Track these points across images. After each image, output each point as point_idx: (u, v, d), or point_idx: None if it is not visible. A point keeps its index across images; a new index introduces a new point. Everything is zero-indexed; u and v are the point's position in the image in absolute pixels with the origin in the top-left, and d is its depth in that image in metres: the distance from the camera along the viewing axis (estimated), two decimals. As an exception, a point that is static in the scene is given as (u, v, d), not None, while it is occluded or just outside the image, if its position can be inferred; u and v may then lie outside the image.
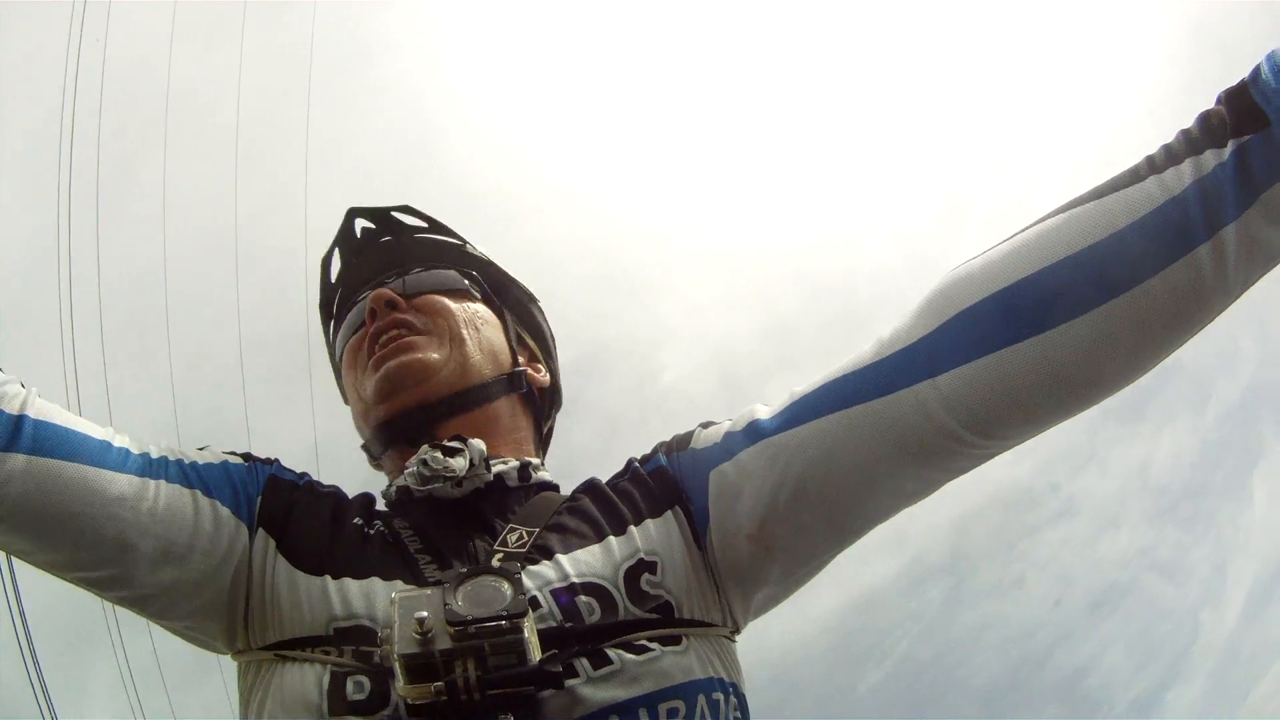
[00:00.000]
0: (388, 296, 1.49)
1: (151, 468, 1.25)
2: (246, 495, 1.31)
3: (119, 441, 1.25)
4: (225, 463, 1.34)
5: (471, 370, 1.47)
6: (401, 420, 1.44)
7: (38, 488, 1.13)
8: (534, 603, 1.14)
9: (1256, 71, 1.01)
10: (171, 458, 1.29)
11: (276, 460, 1.43)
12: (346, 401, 1.69)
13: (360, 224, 1.67)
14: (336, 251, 1.68)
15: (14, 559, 1.26)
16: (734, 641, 1.31)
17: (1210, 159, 1.02)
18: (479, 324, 1.54)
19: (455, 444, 1.37)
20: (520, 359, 1.59)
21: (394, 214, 1.67)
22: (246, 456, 1.40)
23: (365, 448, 1.57)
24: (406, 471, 1.36)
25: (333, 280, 1.69)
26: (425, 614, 1.03)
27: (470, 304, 1.56)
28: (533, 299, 1.72)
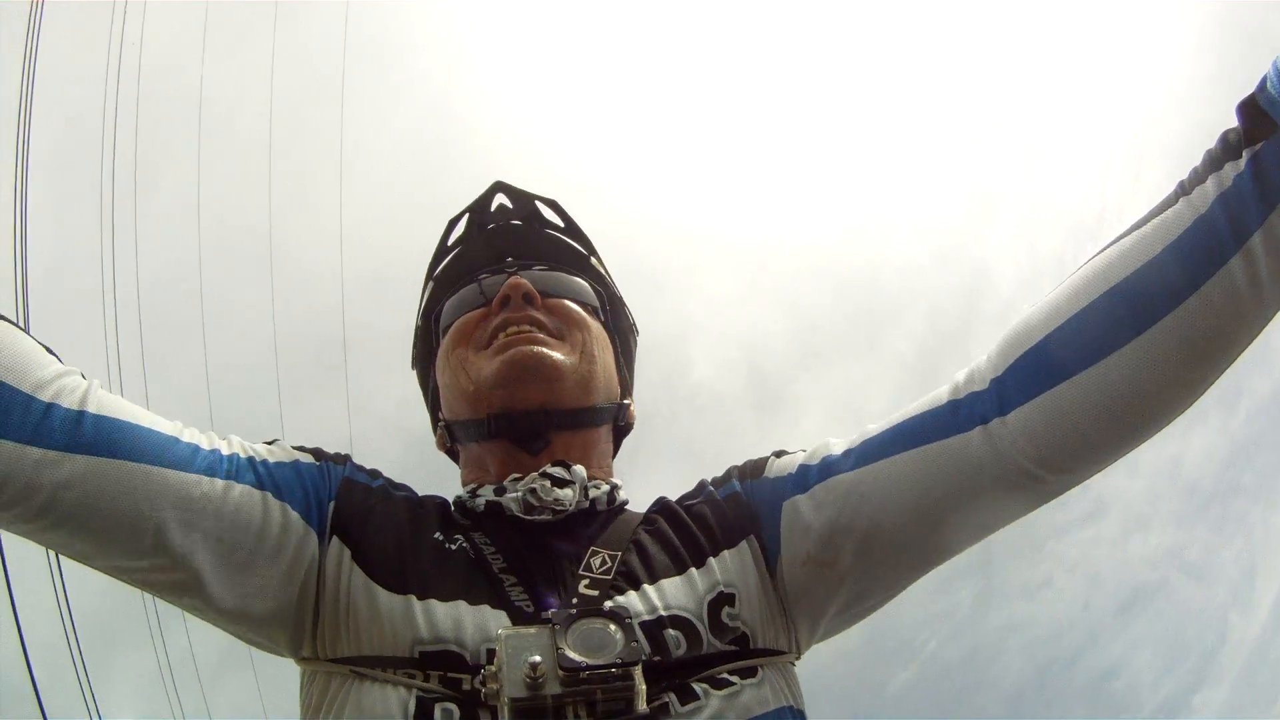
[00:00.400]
0: (527, 289, 1.42)
1: (221, 465, 1.20)
2: (318, 499, 1.27)
3: (188, 436, 1.20)
4: (297, 462, 1.30)
5: (593, 390, 1.43)
6: (520, 416, 1.37)
7: (100, 489, 1.08)
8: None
9: (1264, 81, 1.04)
10: (243, 455, 1.24)
11: (349, 458, 1.38)
12: (416, 364, 1.65)
13: (499, 199, 1.59)
14: (466, 217, 1.60)
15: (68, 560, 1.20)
16: (795, 666, 1.33)
17: (1229, 172, 1.06)
18: (603, 346, 1.49)
19: (562, 473, 1.34)
20: (628, 393, 1.57)
21: (537, 202, 1.59)
22: (317, 454, 1.35)
23: (449, 428, 1.49)
24: (509, 495, 1.32)
25: (449, 243, 1.61)
26: (539, 659, 1.02)
27: (597, 322, 1.51)
28: (635, 330, 1.67)
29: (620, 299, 1.64)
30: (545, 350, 1.38)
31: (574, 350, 1.42)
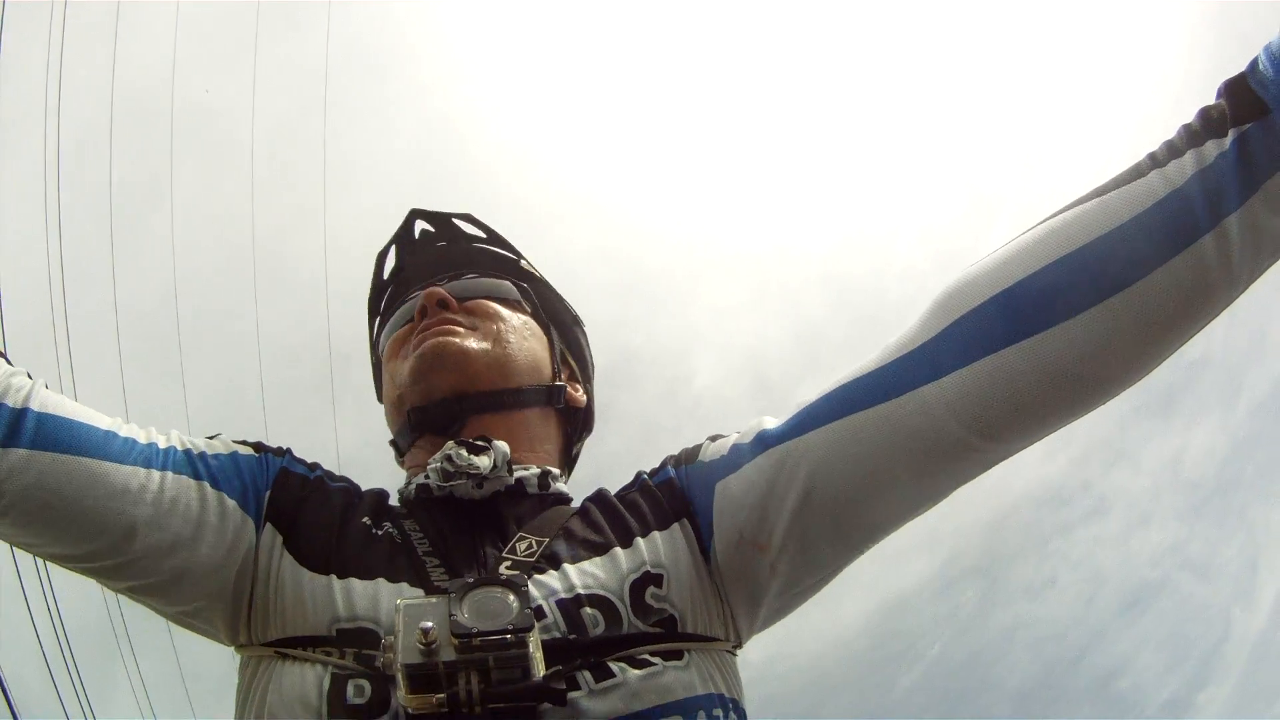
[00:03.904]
0: (440, 295, 1.48)
1: (157, 458, 1.24)
2: (255, 488, 1.30)
3: (125, 431, 1.24)
4: (235, 454, 1.33)
5: (510, 372, 1.46)
6: (435, 407, 1.41)
7: (38, 482, 1.13)
8: (539, 613, 1.13)
9: (1255, 62, 1.02)
10: (180, 448, 1.28)
11: (288, 451, 1.41)
12: (381, 399, 1.68)
13: (420, 225, 1.67)
14: (393, 249, 1.68)
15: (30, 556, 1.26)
16: (735, 656, 1.31)
17: (1212, 149, 1.02)
18: (525, 333, 1.53)
19: (480, 442, 1.36)
20: (561, 376, 1.58)
21: (454, 220, 1.67)
22: (258, 446, 1.38)
23: (394, 443, 1.55)
24: (429, 468, 1.35)
25: (384, 277, 1.69)
26: (430, 624, 1.02)
27: (520, 314, 1.56)
28: (579, 322, 1.71)
29: (556, 293, 1.68)
30: (450, 339, 1.42)
31: (485, 338, 1.46)
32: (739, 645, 1.32)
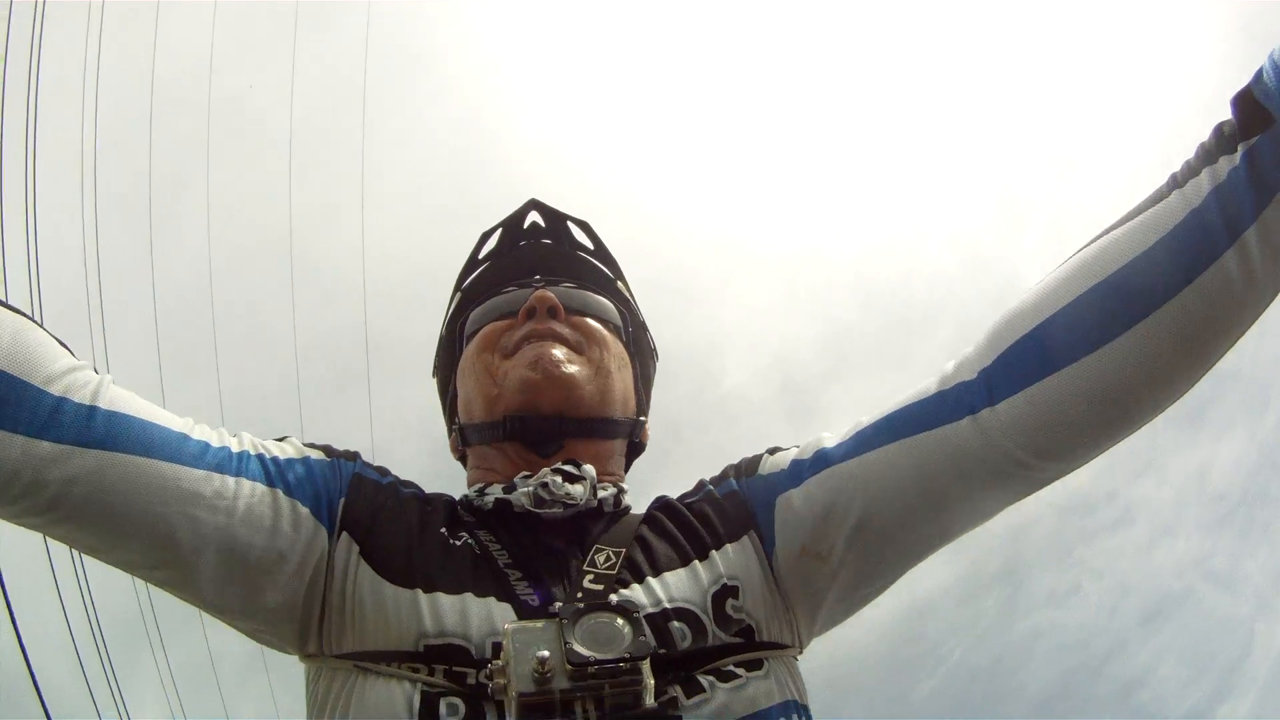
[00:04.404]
0: (552, 302, 1.47)
1: (232, 462, 1.21)
2: (328, 495, 1.28)
3: (198, 434, 1.21)
4: (307, 459, 1.31)
5: (609, 402, 1.46)
6: (536, 421, 1.40)
7: (109, 485, 1.09)
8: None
9: (1259, 73, 1.03)
10: (253, 451, 1.25)
11: (358, 455, 1.39)
12: (437, 371, 1.68)
13: (532, 217, 1.64)
14: (499, 232, 1.65)
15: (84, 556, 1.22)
16: (798, 660, 1.33)
17: (1224, 165, 1.06)
18: (621, 363, 1.53)
19: (573, 469, 1.36)
20: (643, 411, 1.60)
21: (570, 222, 1.64)
22: (328, 450, 1.36)
23: (463, 430, 1.52)
24: (519, 490, 1.33)
25: (480, 256, 1.66)
26: (547, 654, 1.01)
27: (618, 342, 1.55)
28: (656, 355, 1.71)
29: (643, 323, 1.68)
30: (564, 361, 1.41)
31: (591, 364, 1.46)
32: (802, 650, 1.34)
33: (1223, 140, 1.06)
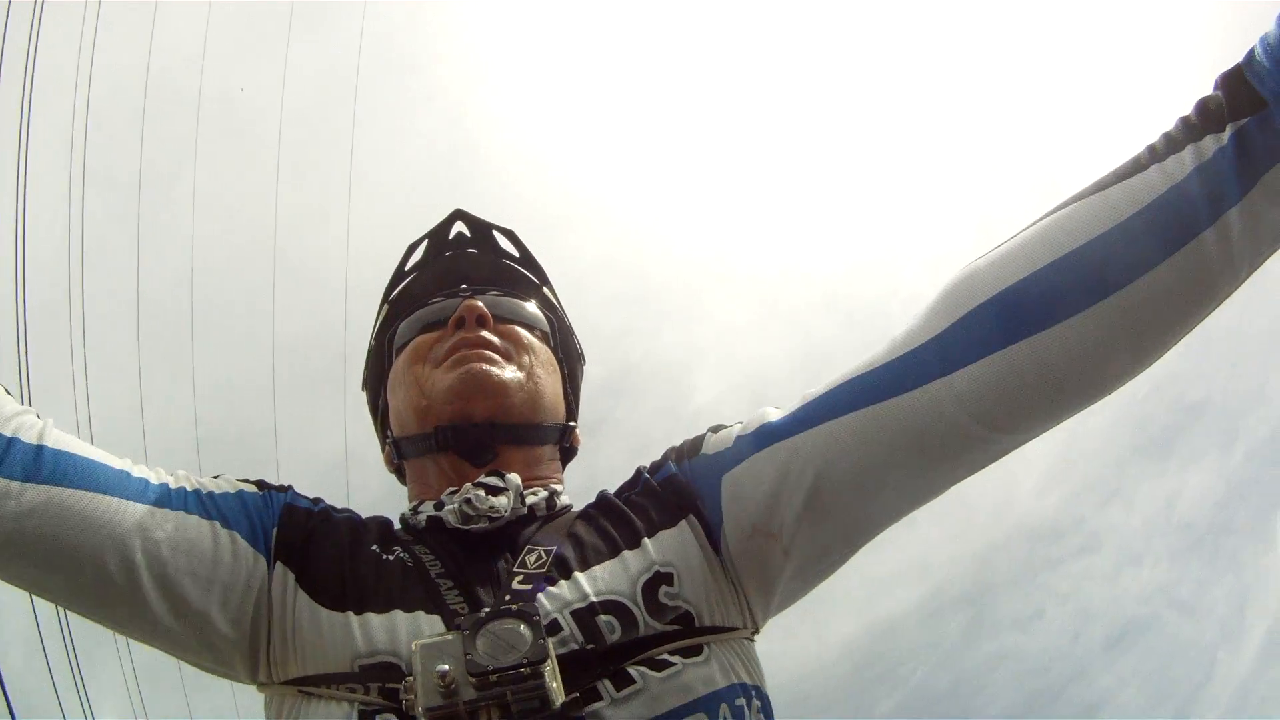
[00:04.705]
0: (481, 311, 1.47)
1: (171, 498, 1.24)
2: (263, 526, 1.30)
3: (138, 471, 1.25)
4: (241, 492, 1.33)
5: (539, 408, 1.47)
6: (468, 430, 1.41)
7: (59, 518, 1.14)
8: (554, 626, 1.15)
9: (1250, 54, 1.01)
10: (189, 487, 1.28)
11: (290, 487, 1.42)
12: (367, 385, 1.70)
13: (458, 227, 1.66)
14: (425, 243, 1.67)
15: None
16: (754, 642, 1.32)
17: (1210, 144, 1.02)
18: (550, 369, 1.54)
19: (496, 481, 1.37)
20: (572, 417, 1.61)
21: (495, 232, 1.66)
22: (260, 484, 1.39)
23: (397, 444, 1.53)
24: (447, 509, 1.35)
25: (406, 268, 1.67)
26: (447, 667, 1.03)
27: (545, 348, 1.56)
28: (583, 359, 1.72)
29: (570, 328, 1.69)
30: (494, 369, 1.42)
31: (521, 370, 1.46)
32: (756, 631, 1.33)
33: (1209, 116, 1.03)
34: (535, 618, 1.10)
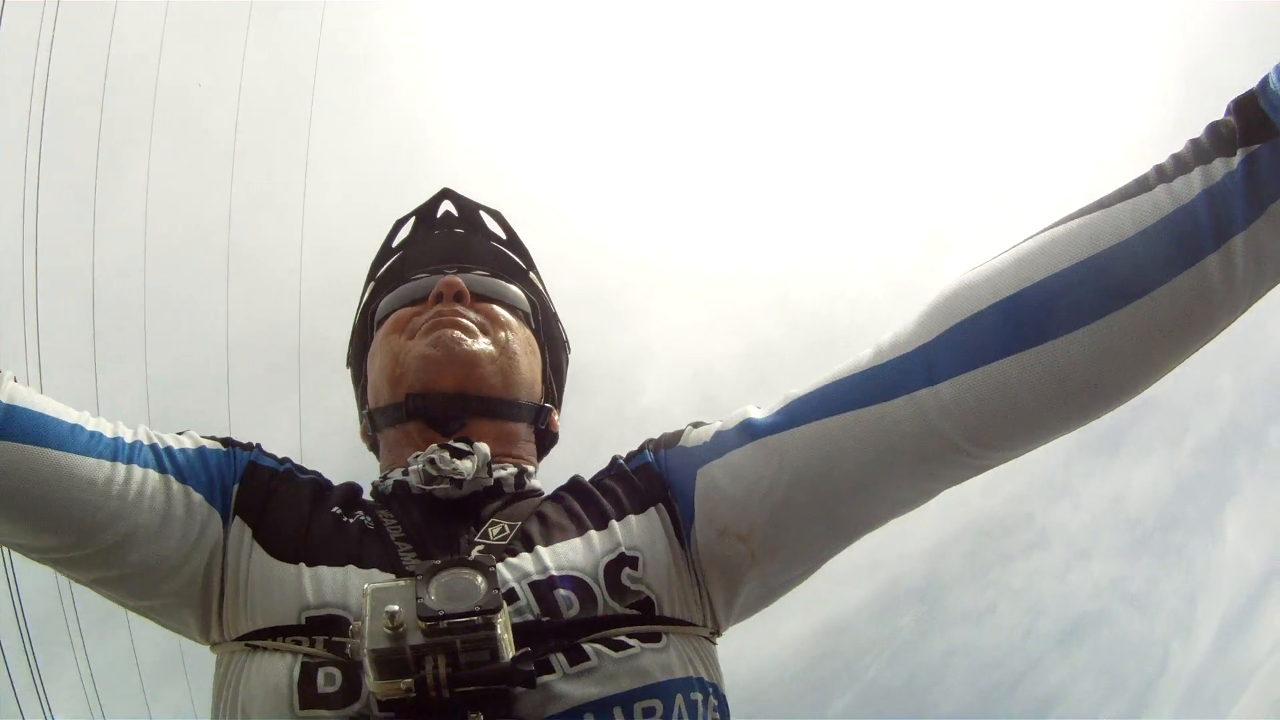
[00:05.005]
0: (458, 287, 1.48)
1: (123, 451, 1.23)
2: (222, 482, 1.29)
3: (93, 425, 1.24)
4: (202, 449, 1.33)
5: (512, 385, 1.46)
6: (436, 398, 1.41)
7: (8, 470, 1.13)
8: (511, 595, 1.13)
9: (1265, 81, 1.00)
10: (146, 442, 1.27)
11: (257, 445, 1.40)
12: (352, 361, 1.69)
13: (445, 206, 1.67)
14: (411, 220, 1.67)
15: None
16: (714, 643, 1.29)
17: (1219, 168, 1.01)
18: (528, 349, 1.54)
19: (463, 445, 1.36)
20: (550, 399, 1.60)
21: (482, 212, 1.67)
22: (227, 442, 1.38)
23: (371, 415, 1.53)
24: (411, 469, 1.34)
25: (393, 245, 1.68)
26: (396, 608, 1.00)
27: (525, 328, 1.56)
28: (568, 348, 1.72)
29: (554, 314, 1.69)
30: (465, 338, 1.42)
31: (495, 344, 1.46)
32: (717, 633, 1.31)
33: (1220, 140, 1.02)
34: (490, 569, 1.07)
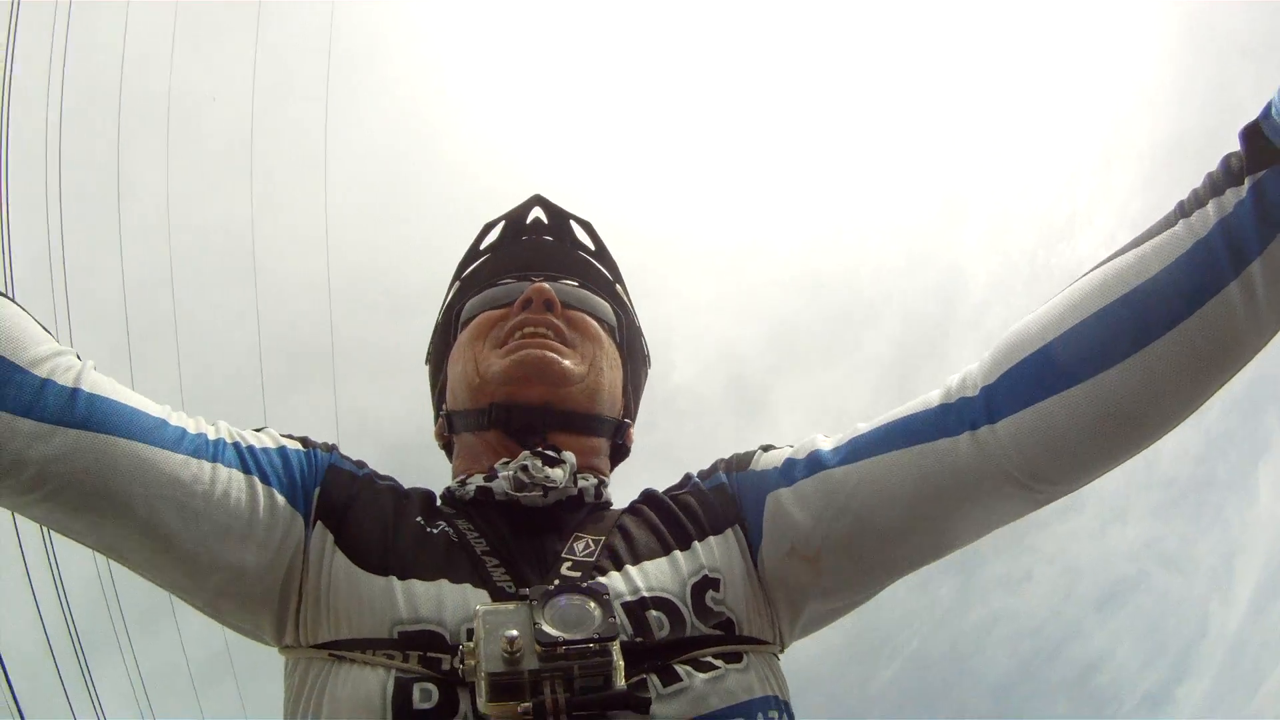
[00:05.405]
0: (549, 295, 1.46)
1: (208, 449, 1.21)
2: (304, 485, 1.28)
3: (176, 420, 1.21)
4: (283, 448, 1.31)
5: (597, 400, 1.46)
6: (522, 410, 1.40)
7: (92, 464, 1.10)
8: None
9: (1269, 108, 1.03)
10: (229, 440, 1.26)
11: (335, 447, 1.40)
12: (431, 359, 1.69)
13: (536, 213, 1.65)
14: (501, 224, 1.65)
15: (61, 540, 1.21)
16: (780, 659, 1.32)
17: (1231, 198, 1.06)
18: (613, 365, 1.53)
19: (553, 453, 1.36)
20: (628, 413, 1.60)
21: (572, 221, 1.66)
22: (305, 441, 1.36)
23: (450, 416, 1.52)
24: (500, 475, 1.34)
25: (481, 247, 1.66)
26: (516, 633, 1.01)
27: (612, 342, 1.55)
28: (648, 362, 1.72)
29: (639, 329, 1.68)
30: (554, 355, 1.42)
31: (583, 361, 1.46)
32: (783, 649, 1.34)
33: (1230, 172, 1.06)
34: (605, 596, 1.10)
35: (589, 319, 1.52)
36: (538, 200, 1.65)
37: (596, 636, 1.04)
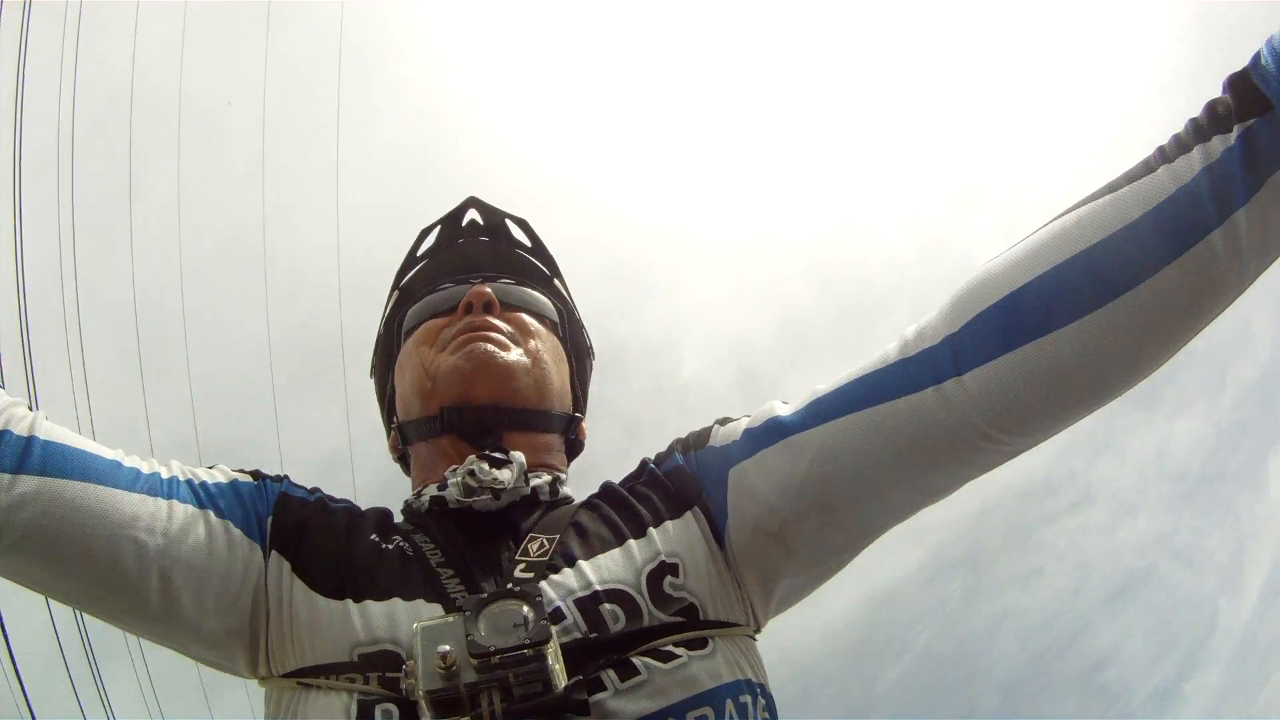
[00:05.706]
0: (488, 298, 1.47)
1: (163, 487, 1.23)
2: (257, 515, 1.29)
3: (129, 461, 1.23)
4: (235, 481, 1.32)
5: (545, 396, 1.47)
6: (471, 411, 1.41)
7: (51, 510, 1.11)
8: (557, 614, 1.13)
9: (1257, 57, 1.02)
10: (182, 477, 1.27)
11: (286, 477, 1.40)
12: (375, 371, 1.69)
13: (471, 215, 1.66)
14: (437, 229, 1.66)
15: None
16: (755, 640, 1.30)
17: (1218, 145, 1.02)
18: (558, 359, 1.54)
19: (500, 455, 1.36)
20: (578, 408, 1.60)
21: (508, 220, 1.66)
22: (255, 474, 1.37)
23: (402, 428, 1.53)
24: (450, 483, 1.34)
25: (418, 254, 1.67)
26: (448, 648, 1.01)
27: (554, 337, 1.56)
28: (592, 354, 1.72)
29: (579, 321, 1.68)
30: (498, 350, 1.42)
31: (527, 355, 1.46)
32: (758, 629, 1.32)
33: (1217, 119, 1.04)
34: (537, 598, 1.08)
35: (529, 317, 1.52)
36: (472, 202, 1.65)
37: (528, 641, 1.03)
